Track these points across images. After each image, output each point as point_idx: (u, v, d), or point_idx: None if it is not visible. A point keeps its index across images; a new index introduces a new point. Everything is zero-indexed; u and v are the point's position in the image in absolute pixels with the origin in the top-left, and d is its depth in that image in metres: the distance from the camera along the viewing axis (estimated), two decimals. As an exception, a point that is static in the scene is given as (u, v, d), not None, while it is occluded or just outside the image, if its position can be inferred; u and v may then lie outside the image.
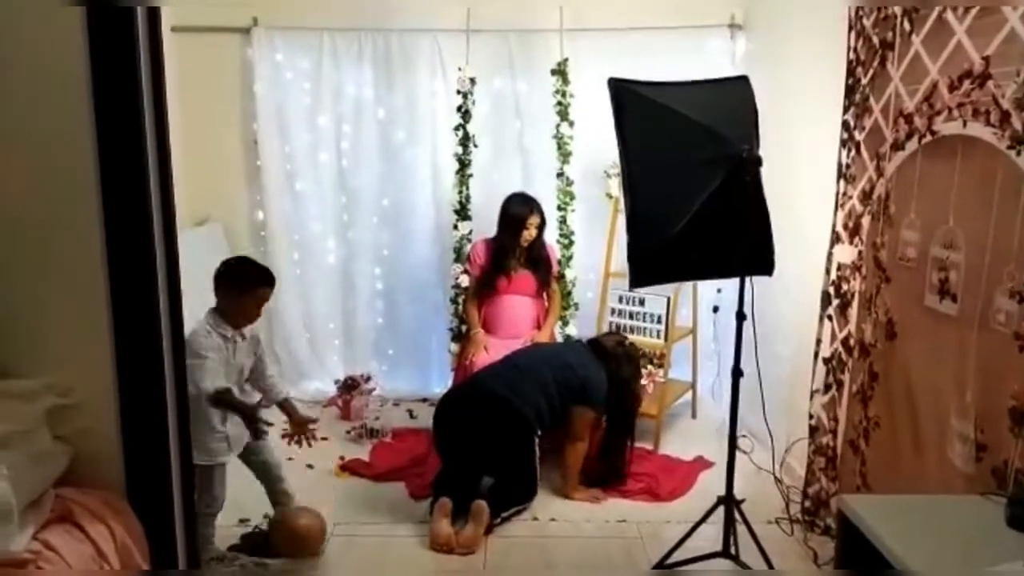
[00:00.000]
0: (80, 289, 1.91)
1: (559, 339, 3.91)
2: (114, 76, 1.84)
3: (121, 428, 1.97)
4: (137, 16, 1.85)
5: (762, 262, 2.34)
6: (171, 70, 2.02)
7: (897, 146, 2.33)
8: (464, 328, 3.94)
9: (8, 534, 1.64)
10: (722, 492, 2.53)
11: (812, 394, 2.81)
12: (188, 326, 2.12)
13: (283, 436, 3.81)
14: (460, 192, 4.01)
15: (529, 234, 3.69)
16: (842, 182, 2.66)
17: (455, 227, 4.04)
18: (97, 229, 1.89)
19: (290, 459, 3.54)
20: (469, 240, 4.00)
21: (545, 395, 3.07)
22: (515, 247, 3.72)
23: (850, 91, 2.60)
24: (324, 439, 3.76)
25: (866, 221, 2.53)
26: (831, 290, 2.71)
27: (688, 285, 3.85)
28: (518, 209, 3.68)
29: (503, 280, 3.74)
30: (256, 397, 2.80)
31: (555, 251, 3.91)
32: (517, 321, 3.78)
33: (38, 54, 1.84)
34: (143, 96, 1.88)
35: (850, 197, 2.61)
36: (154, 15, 1.92)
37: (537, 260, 3.78)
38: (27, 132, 1.87)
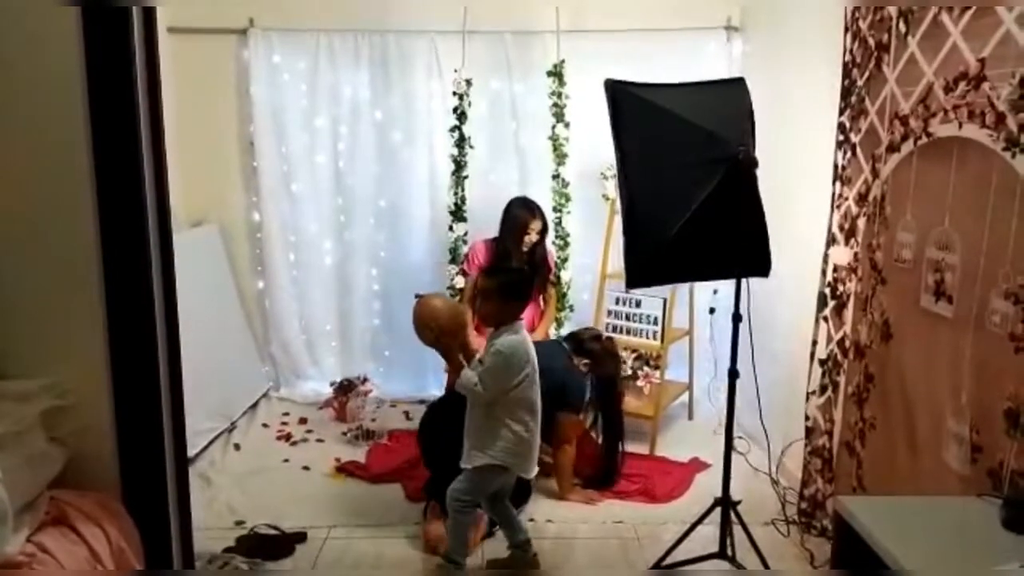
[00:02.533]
0: (75, 291, 1.91)
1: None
2: (109, 76, 1.84)
3: (116, 430, 1.97)
4: (133, 16, 1.85)
5: (758, 263, 2.34)
6: (167, 71, 2.02)
7: (893, 148, 2.33)
8: (460, 330, 3.93)
9: (2, 536, 1.63)
10: (718, 493, 2.53)
11: (808, 395, 2.81)
12: (184, 327, 2.11)
13: (277, 438, 3.84)
14: (456, 193, 4.01)
15: (531, 239, 3.68)
16: (838, 184, 2.67)
17: (451, 228, 4.03)
18: (92, 230, 1.89)
19: (286, 460, 3.54)
20: (465, 241, 4.00)
21: None
22: (517, 251, 3.70)
23: (846, 93, 2.61)
24: (320, 441, 3.77)
25: (862, 223, 2.53)
26: (827, 291, 2.71)
27: (684, 286, 3.85)
28: (521, 213, 3.68)
29: None
30: None
31: (552, 254, 3.91)
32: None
33: (33, 54, 1.83)
34: (138, 96, 1.88)
35: (846, 199, 2.62)
36: (150, 15, 1.92)
37: (537, 264, 3.77)
38: (22, 133, 1.87)
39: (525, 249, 3.71)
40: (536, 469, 2.61)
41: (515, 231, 3.68)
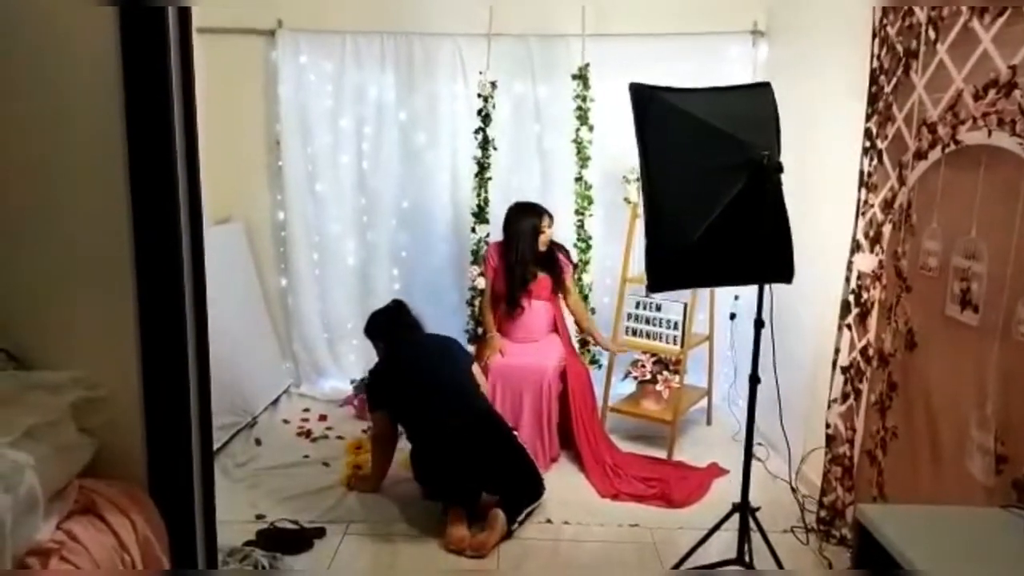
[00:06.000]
0: (107, 283, 1.95)
1: (575, 344, 3.91)
2: (145, 75, 1.87)
3: (145, 422, 2.00)
4: (168, 16, 1.88)
5: (781, 269, 2.33)
6: (197, 70, 2.05)
7: (920, 155, 2.32)
8: (480, 330, 3.95)
9: (34, 524, 1.67)
10: (737, 500, 2.52)
11: (829, 403, 2.79)
12: (209, 322, 2.14)
13: (298, 434, 3.88)
14: (478, 195, 4.04)
15: (545, 238, 3.65)
16: (863, 190, 2.65)
17: (473, 230, 4.05)
18: (126, 225, 1.92)
19: (306, 456, 3.58)
20: (487, 243, 4.02)
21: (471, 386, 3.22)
22: (535, 254, 3.65)
23: (873, 99, 2.59)
24: (340, 438, 3.80)
25: (887, 230, 2.51)
26: (851, 298, 2.70)
27: (705, 291, 3.84)
28: (529, 218, 3.61)
29: (524, 295, 3.70)
30: None
31: (564, 249, 3.86)
32: (532, 324, 3.76)
33: (70, 53, 1.87)
34: (173, 95, 1.91)
35: (871, 205, 2.60)
36: (185, 15, 1.95)
37: (549, 261, 3.69)
38: (58, 130, 1.90)
39: (543, 249, 3.67)
40: None
41: (528, 236, 3.62)
